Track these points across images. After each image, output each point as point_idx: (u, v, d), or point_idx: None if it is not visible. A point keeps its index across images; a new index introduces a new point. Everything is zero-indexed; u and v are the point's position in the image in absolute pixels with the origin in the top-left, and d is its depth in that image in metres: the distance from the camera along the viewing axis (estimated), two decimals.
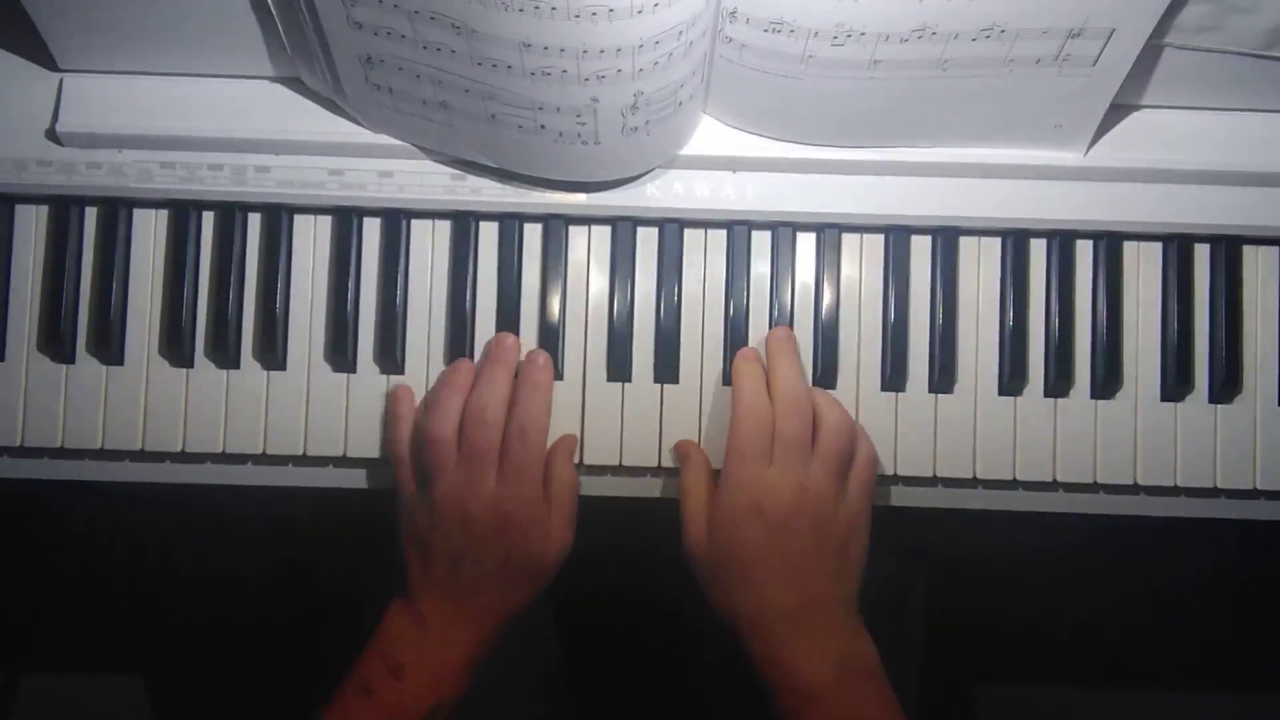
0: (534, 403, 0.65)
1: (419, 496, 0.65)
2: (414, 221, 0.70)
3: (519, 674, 0.79)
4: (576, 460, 0.68)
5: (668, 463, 0.68)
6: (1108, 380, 0.69)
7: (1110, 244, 0.70)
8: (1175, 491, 0.70)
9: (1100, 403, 0.69)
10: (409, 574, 0.64)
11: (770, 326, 0.69)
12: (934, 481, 0.69)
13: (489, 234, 0.70)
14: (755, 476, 0.62)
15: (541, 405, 0.65)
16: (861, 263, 0.70)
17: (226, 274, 0.69)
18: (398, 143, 0.67)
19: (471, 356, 0.68)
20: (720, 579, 0.63)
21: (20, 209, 0.69)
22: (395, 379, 0.69)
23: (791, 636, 0.61)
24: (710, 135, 0.67)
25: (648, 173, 0.68)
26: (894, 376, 0.69)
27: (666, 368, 0.69)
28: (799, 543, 0.62)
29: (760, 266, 0.70)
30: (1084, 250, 0.70)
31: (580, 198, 0.68)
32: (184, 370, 0.69)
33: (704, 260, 0.70)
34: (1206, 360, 0.70)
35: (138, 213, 0.69)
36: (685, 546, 0.64)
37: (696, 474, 0.66)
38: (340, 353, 0.69)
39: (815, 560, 0.62)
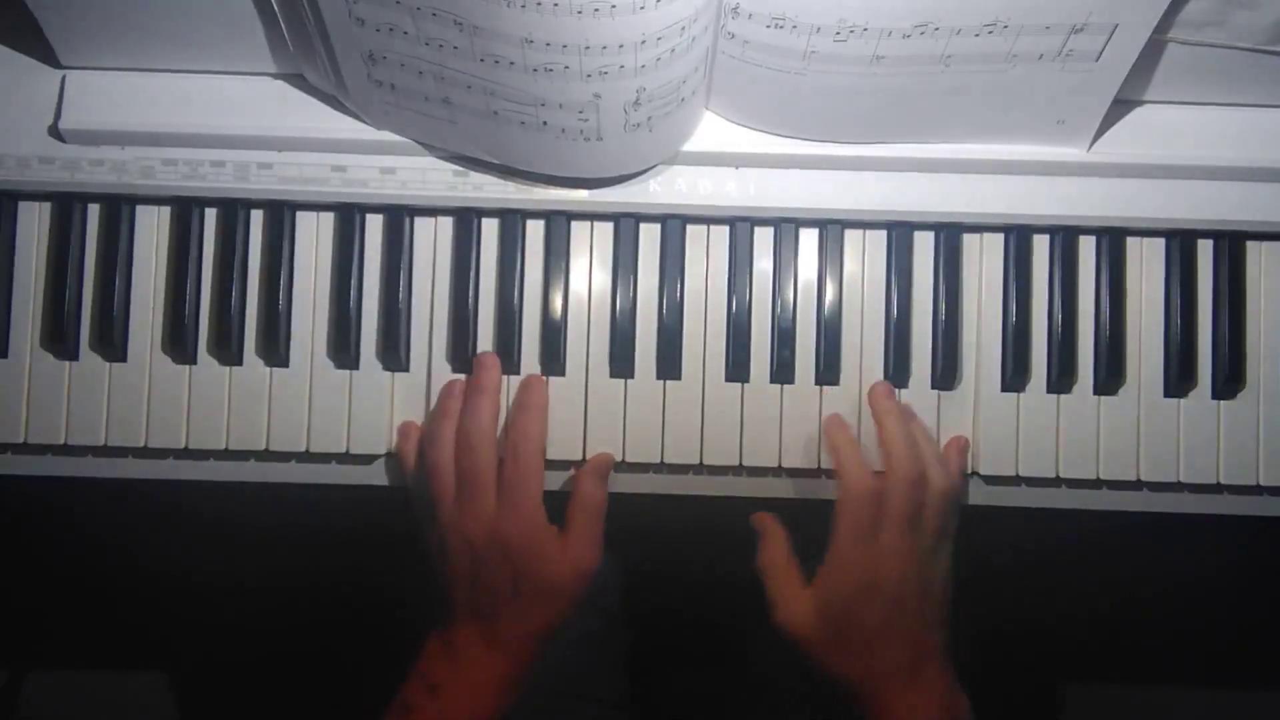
0: (528, 424, 0.65)
1: (429, 528, 0.65)
2: (416, 218, 0.70)
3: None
4: (579, 457, 0.68)
5: (670, 459, 0.68)
6: (1110, 376, 0.69)
7: (1113, 240, 0.70)
8: (1178, 487, 0.70)
9: (1103, 399, 0.69)
10: (442, 601, 0.65)
11: (773, 323, 0.69)
12: None
13: (491, 230, 0.70)
14: (867, 554, 0.63)
15: (535, 426, 0.65)
16: (864, 259, 0.70)
17: (229, 271, 0.69)
18: (400, 139, 0.67)
19: (474, 351, 0.68)
20: (836, 653, 0.63)
21: (23, 206, 0.69)
22: (399, 376, 0.69)
23: (904, 692, 0.62)
24: (713, 131, 0.67)
25: (650, 169, 0.68)
26: (897, 374, 0.69)
27: (669, 364, 0.69)
28: (912, 606, 0.63)
29: (763, 263, 0.70)
30: (1087, 246, 0.70)
31: (582, 194, 0.68)
32: (187, 367, 0.69)
33: (706, 256, 0.70)
34: (1209, 356, 0.70)
35: (140, 209, 0.69)
36: (781, 624, 0.64)
37: (776, 548, 0.66)
38: (343, 349, 0.69)
39: (924, 617, 0.63)
